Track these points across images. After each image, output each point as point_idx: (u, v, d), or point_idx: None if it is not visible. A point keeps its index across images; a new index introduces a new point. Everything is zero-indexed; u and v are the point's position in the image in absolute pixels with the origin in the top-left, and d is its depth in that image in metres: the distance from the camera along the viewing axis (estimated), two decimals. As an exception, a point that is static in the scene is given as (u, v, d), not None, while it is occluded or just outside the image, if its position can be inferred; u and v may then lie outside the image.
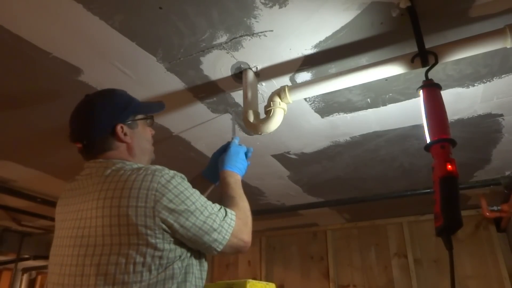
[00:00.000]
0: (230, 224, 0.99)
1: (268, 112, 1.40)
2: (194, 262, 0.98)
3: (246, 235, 1.04)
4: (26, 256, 4.12)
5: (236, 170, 1.25)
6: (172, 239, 0.92)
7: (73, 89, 1.52)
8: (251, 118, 1.42)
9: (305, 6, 1.17)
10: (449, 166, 1.00)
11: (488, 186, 2.51)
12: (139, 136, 1.10)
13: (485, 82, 1.54)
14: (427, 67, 1.17)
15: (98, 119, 1.04)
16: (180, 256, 0.94)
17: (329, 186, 2.68)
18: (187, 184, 0.97)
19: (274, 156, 2.23)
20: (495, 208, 2.79)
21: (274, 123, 1.39)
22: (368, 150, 2.14)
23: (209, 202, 1.00)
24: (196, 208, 0.94)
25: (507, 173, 2.42)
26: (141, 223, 0.88)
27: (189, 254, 0.97)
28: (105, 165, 1.00)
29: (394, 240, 3.41)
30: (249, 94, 1.43)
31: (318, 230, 3.72)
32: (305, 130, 1.93)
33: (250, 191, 2.77)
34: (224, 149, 1.35)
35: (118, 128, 1.04)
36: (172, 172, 0.97)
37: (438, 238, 0.99)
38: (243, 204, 1.12)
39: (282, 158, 2.25)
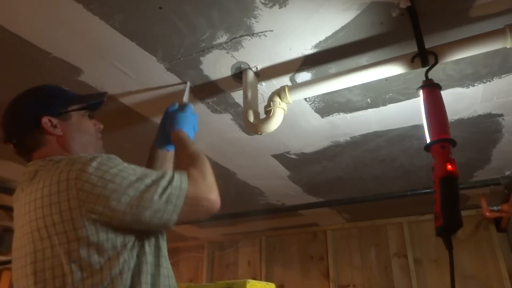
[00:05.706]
0: (181, 187, 0.88)
1: (268, 112, 1.40)
2: (148, 248, 0.89)
3: (207, 192, 0.92)
4: (26, 256, 4.11)
5: (191, 133, 1.19)
6: (107, 228, 0.82)
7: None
8: (251, 118, 1.42)
9: (305, 6, 1.17)
10: (449, 166, 1.00)
11: (488, 186, 2.50)
12: (74, 128, 1.01)
13: (485, 82, 1.54)
14: (427, 67, 1.17)
15: (22, 114, 0.99)
16: (125, 245, 0.84)
17: (329, 186, 2.68)
18: (114, 162, 0.87)
19: (274, 156, 2.23)
20: (495, 208, 2.79)
21: (274, 123, 1.39)
22: (368, 150, 2.14)
23: (148, 172, 0.89)
24: (128, 184, 0.83)
25: (507, 173, 2.42)
26: (66, 218, 0.80)
27: (137, 241, 0.87)
28: (34, 168, 0.94)
29: (394, 240, 3.40)
30: (249, 94, 1.43)
31: (318, 230, 3.71)
32: (305, 130, 1.93)
33: (250, 191, 2.77)
34: (175, 111, 1.23)
35: (44, 120, 0.97)
36: (95, 154, 0.88)
37: (438, 238, 0.99)
38: (202, 161, 1.01)
39: (282, 158, 2.25)
